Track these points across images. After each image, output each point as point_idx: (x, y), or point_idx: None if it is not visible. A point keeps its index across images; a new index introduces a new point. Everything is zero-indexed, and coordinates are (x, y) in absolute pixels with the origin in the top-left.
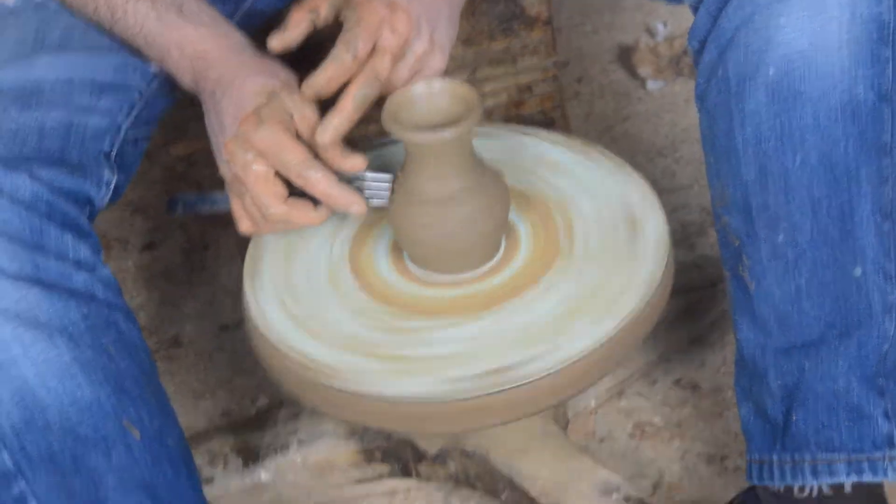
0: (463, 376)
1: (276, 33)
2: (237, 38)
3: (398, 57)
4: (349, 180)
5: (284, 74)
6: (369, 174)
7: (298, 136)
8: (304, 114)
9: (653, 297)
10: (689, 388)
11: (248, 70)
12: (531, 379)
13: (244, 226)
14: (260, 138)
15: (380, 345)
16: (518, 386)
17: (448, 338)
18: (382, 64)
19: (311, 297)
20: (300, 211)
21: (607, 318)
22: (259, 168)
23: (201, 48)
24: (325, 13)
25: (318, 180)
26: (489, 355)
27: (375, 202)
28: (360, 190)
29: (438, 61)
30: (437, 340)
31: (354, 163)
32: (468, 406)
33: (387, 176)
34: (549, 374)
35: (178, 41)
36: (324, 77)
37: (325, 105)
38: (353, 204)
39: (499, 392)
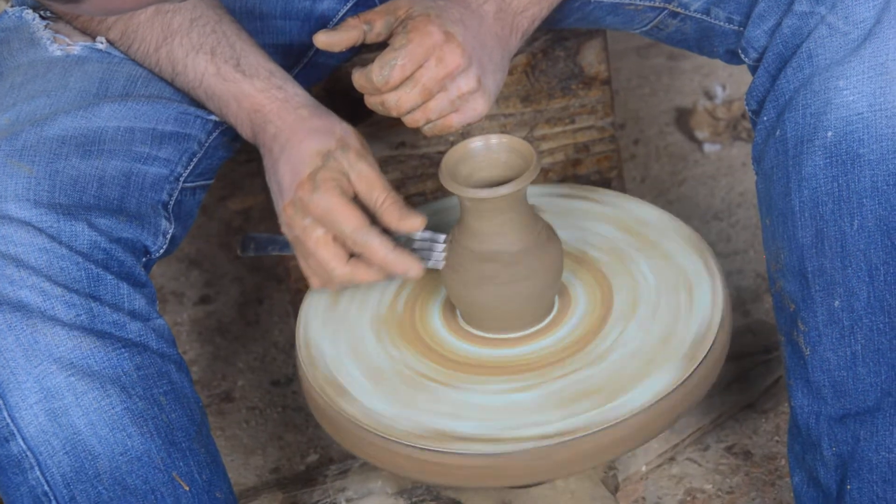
0: (515, 433)
1: (325, 31)
2: (294, 92)
3: (435, 90)
4: (405, 240)
5: (340, 130)
6: (426, 234)
7: (356, 196)
8: (361, 172)
9: (707, 359)
10: (742, 455)
11: (304, 128)
12: (582, 434)
13: (314, 283)
14: (315, 205)
15: (434, 401)
16: (572, 440)
17: (500, 396)
18: (406, 95)
19: (362, 350)
20: (363, 270)
21: (656, 382)
22: (318, 233)
23: (257, 102)
24: (378, 29)
25: (374, 248)
26: (537, 413)
27: (430, 263)
28: (415, 251)
29: (482, 104)
30: (489, 399)
31: (412, 224)
32: (521, 459)
33: (442, 236)
34: (600, 431)
35: (236, 95)
36: (354, 81)
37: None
38: (409, 269)
39: (552, 447)
